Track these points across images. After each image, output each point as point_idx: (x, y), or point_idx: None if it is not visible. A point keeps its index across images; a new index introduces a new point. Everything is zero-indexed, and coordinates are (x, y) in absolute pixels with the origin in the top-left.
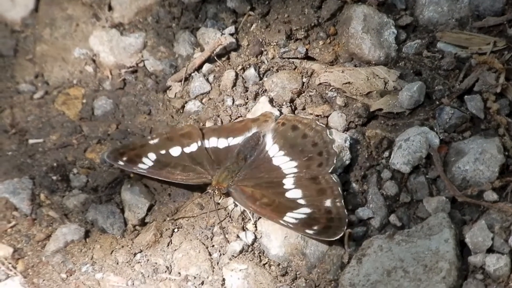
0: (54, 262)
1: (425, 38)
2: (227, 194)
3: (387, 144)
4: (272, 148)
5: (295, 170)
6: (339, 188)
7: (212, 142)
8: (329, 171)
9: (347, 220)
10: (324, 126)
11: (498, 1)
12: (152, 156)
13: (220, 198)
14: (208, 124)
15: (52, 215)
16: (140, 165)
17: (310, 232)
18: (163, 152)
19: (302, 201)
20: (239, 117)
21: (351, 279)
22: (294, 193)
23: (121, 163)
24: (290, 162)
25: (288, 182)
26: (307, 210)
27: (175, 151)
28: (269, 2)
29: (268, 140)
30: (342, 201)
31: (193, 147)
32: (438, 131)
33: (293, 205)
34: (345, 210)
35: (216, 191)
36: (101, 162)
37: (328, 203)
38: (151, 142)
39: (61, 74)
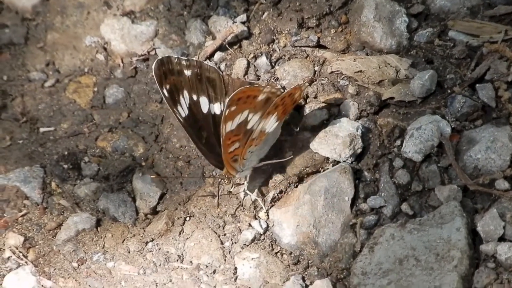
0: (65, 251)
1: (437, 27)
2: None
3: (399, 132)
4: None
5: None
6: None
7: None
8: None
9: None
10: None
11: None
12: (187, 97)
13: (231, 187)
14: None
15: (63, 204)
16: (179, 108)
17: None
18: (194, 97)
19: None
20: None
21: (363, 268)
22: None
23: (165, 92)
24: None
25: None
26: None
27: (204, 103)
28: None
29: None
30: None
31: (216, 108)
32: (450, 120)
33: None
34: None
35: (225, 179)
36: (112, 150)
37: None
38: (186, 72)
39: (72, 62)
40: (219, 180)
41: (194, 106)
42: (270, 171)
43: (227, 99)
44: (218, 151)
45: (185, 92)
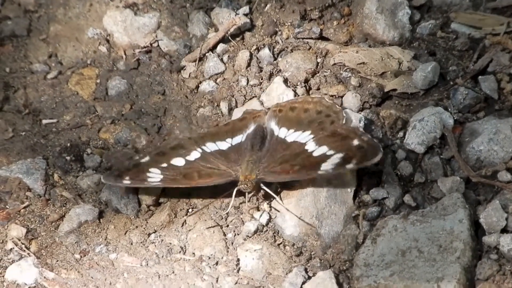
0: (68, 243)
1: (439, 19)
2: (258, 186)
3: (402, 124)
4: (281, 131)
5: (312, 136)
6: (361, 129)
7: (212, 147)
8: (343, 123)
9: (380, 145)
10: (319, 96)
11: None
12: (156, 171)
13: (252, 191)
14: (223, 104)
15: (65, 196)
16: (150, 180)
17: (351, 166)
18: (164, 165)
19: (331, 152)
20: (253, 97)
21: (365, 259)
22: (321, 150)
23: (127, 182)
24: (304, 133)
25: (310, 146)
26: (339, 155)
27: (177, 161)
28: None
29: (273, 127)
30: (368, 135)
31: (195, 155)
32: (452, 112)
33: (324, 158)
34: (374, 139)
35: (248, 184)
36: (115, 142)
37: (356, 142)
38: (143, 161)
39: (75, 54)
40: (242, 187)
41: (167, 169)
42: None
43: None
44: (220, 169)
45: (152, 169)
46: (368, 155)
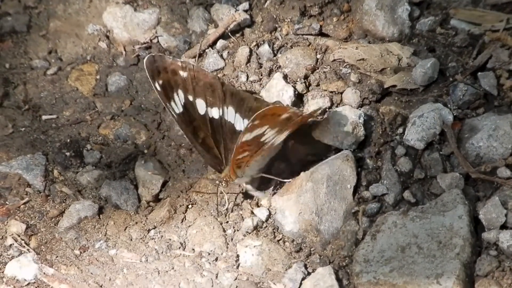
0: (68, 239)
1: (439, 15)
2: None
3: (401, 120)
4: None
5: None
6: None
7: (230, 115)
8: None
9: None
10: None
11: None
12: (182, 97)
13: (225, 188)
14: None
15: (65, 192)
16: (173, 104)
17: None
18: (190, 98)
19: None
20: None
21: (365, 255)
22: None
23: (157, 86)
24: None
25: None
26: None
27: (201, 105)
28: None
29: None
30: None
31: (215, 112)
32: (452, 108)
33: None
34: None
35: (223, 182)
36: (115, 138)
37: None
38: (181, 73)
39: (75, 50)
40: (218, 182)
41: (190, 106)
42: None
43: (249, 116)
44: (215, 153)
45: (180, 91)
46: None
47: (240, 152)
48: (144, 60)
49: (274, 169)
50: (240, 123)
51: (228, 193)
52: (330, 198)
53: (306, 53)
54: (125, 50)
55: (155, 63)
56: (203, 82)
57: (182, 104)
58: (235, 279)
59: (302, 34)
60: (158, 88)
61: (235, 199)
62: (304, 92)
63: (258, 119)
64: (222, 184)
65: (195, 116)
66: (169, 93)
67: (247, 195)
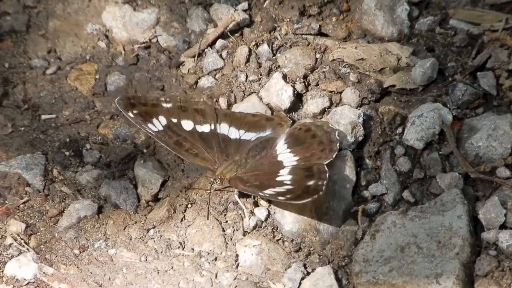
0: (67, 238)
1: (438, 15)
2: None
3: (400, 120)
4: (281, 147)
5: (295, 163)
6: (327, 175)
7: (224, 129)
8: (325, 163)
9: (321, 191)
10: (335, 128)
11: None
12: (163, 120)
13: (219, 186)
14: (222, 100)
15: (65, 191)
16: (150, 125)
17: (282, 198)
18: (174, 120)
19: (288, 182)
20: (252, 92)
21: (364, 255)
22: (284, 177)
23: (130, 114)
24: (294, 157)
25: (284, 172)
26: (288, 187)
27: (187, 124)
28: None
29: (280, 142)
30: (325, 182)
31: (205, 128)
32: (451, 108)
33: (278, 184)
34: (323, 187)
35: (218, 180)
36: (114, 137)
37: (311, 182)
38: (164, 105)
39: (74, 49)
40: (212, 180)
41: (173, 125)
42: None
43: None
44: (204, 156)
45: (161, 117)
46: (302, 196)
47: None
48: (116, 100)
49: None
50: (235, 134)
51: (222, 190)
52: (330, 198)
53: (305, 52)
54: (124, 49)
55: (129, 100)
56: (193, 109)
57: (164, 125)
58: (235, 278)
59: (301, 34)
60: (131, 115)
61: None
62: (303, 91)
63: None
64: (216, 182)
65: (179, 132)
66: (147, 119)
67: (245, 194)
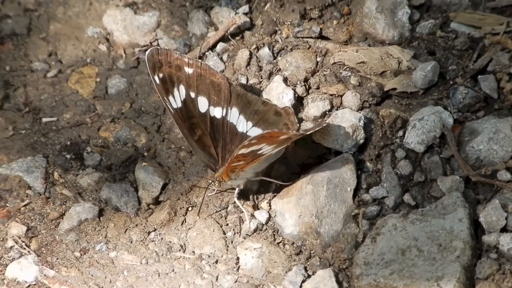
0: (68, 241)
1: (439, 18)
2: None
3: (401, 123)
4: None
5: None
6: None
7: (233, 116)
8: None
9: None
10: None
11: None
12: (183, 92)
13: (219, 188)
14: None
15: (65, 194)
16: (171, 99)
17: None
18: (192, 94)
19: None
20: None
21: (365, 258)
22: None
23: (156, 79)
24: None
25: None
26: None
27: (203, 103)
28: None
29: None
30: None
31: (217, 112)
32: (452, 111)
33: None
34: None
35: (216, 182)
36: (115, 140)
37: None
38: (186, 69)
39: (75, 52)
40: (210, 181)
41: (190, 102)
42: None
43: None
44: (211, 151)
45: (182, 87)
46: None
47: (234, 161)
48: (147, 52)
49: (273, 172)
50: (243, 125)
51: (222, 191)
52: (330, 200)
53: (306, 56)
54: (125, 52)
55: (158, 55)
56: (210, 81)
57: (182, 100)
58: (235, 281)
59: (302, 37)
60: (157, 81)
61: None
62: (304, 95)
63: (256, 139)
64: (214, 184)
65: (194, 114)
66: (169, 88)
67: (246, 197)
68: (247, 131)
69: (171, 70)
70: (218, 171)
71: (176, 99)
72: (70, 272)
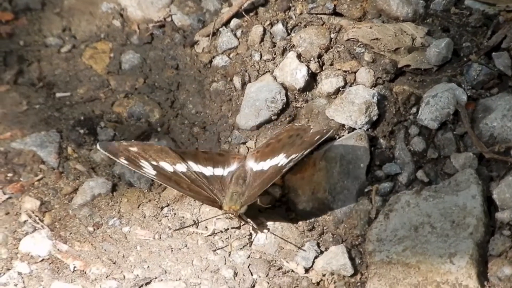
0: (81, 216)
1: None
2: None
3: (415, 100)
4: (261, 164)
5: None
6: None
7: (194, 167)
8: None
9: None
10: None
11: None
12: (146, 163)
13: (237, 220)
14: (236, 79)
15: (79, 169)
16: (146, 170)
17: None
18: (154, 163)
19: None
20: (266, 72)
21: (378, 234)
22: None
23: (122, 161)
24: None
25: (283, 162)
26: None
27: (166, 166)
28: None
29: (252, 165)
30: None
31: (180, 168)
32: (466, 88)
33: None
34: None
35: (231, 215)
36: (128, 116)
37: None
38: (131, 149)
39: (89, 28)
40: (228, 217)
41: (159, 168)
42: None
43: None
44: (207, 194)
45: (143, 160)
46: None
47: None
48: (101, 147)
49: None
50: (207, 171)
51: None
52: (343, 177)
53: (320, 32)
54: (139, 28)
55: (109, 147)
56: (153, 150)
57: (152, 168)
58: (248, 257)
59: (316, 13)
60: (125, 162)
61: None
62: (318, 71)
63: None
64: (232, 217)
65: (169, 174)
66: (136, 164)
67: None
68: (213, 173)
69: (125, 153)
70: (224, 205)
71: (148, 169)
72: (83, 246)
